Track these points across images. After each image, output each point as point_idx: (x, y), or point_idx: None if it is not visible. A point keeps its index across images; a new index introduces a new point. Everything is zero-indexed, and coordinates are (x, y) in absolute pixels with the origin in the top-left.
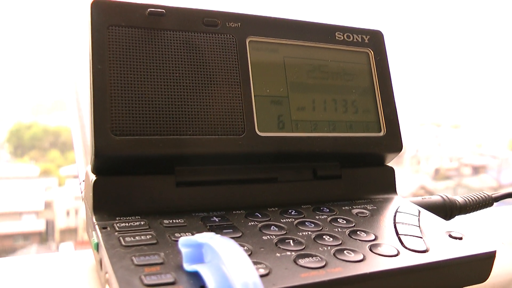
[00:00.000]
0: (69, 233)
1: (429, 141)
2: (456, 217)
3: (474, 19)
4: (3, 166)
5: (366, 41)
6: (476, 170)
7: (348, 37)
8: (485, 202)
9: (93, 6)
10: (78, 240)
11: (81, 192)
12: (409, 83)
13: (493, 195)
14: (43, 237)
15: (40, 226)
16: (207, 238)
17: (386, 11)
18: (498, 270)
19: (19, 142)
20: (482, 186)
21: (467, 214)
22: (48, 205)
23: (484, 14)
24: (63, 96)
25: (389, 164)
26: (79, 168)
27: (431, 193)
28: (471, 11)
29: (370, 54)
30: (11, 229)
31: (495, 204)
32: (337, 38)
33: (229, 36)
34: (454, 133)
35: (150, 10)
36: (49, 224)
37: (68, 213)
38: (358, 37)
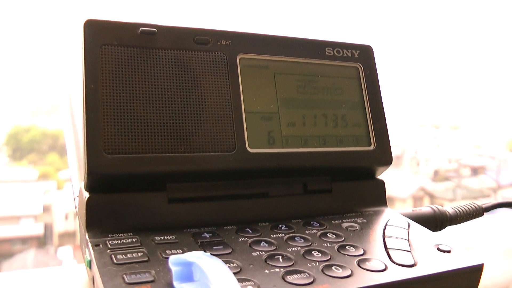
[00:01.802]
0: (68, 237)
1: (428, 142)
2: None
3: (472, 20)
4: (1, 170)
5: (356, 56)
6: (475, 171)
7: (338, 52)
8: (476, 213)
9: (86, 25)
10: (77, 244)
11: (75, 208)
12: (408, 84)
13: (483, 206)
14: (42, 241)
15: (39, 230)
16: (195, 257)
17: (385, 12)
18: (486, 280)
19: (17, 145)
20: (481, 187)
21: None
22: (46, 209)
23: (482, 15)
24: (58, 104)
25: (385, 169)
26: (74, 183)
27: (430, 194)
28: (470, 13)
29: (360, 68)
30: (9, 233)
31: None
32: (327, 53)
33: (220, 53)
34: (453, 134)
35: (142, 29)
36: (48, 228)
37: (66, 217)
38: (348, 52)
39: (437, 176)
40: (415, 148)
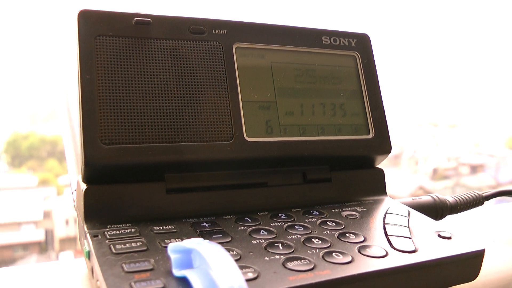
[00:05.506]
0: (69, 242)
1: (427, 141)
2: (447, 216)
3: (471, 19)
4: (1, 177)
5: (353, 44)
6: (474, 169)
7: (335, 41)
8: (476, 201)
9: (80, 16)
10: (78, 249)
11: (73, 201)
12: (407, 83)
13: (483, 194)
14: (43, 246)
15: (40, 236)
16: (195, 243)
17: (382, 12)
18: (488, 268)
19: (16, 153)
20: (480, 185)
21: (458, 214)
22: (47, 215)
23: (481, 14)
24: (56, 105)
25: (380, 166)
26: (71, 178)
27: (429, 193)
28: (468, 11)
29: (357, 57)
30: (10, 239)
31: (491, 201)
32: (324, 42)
33: (216, 43)
34: (452, 132)
35: (136, 19)
36: (49, 234)
37: (67, 222)
38: (345, 40)
39: (436, 175)
40: (414, 147)
